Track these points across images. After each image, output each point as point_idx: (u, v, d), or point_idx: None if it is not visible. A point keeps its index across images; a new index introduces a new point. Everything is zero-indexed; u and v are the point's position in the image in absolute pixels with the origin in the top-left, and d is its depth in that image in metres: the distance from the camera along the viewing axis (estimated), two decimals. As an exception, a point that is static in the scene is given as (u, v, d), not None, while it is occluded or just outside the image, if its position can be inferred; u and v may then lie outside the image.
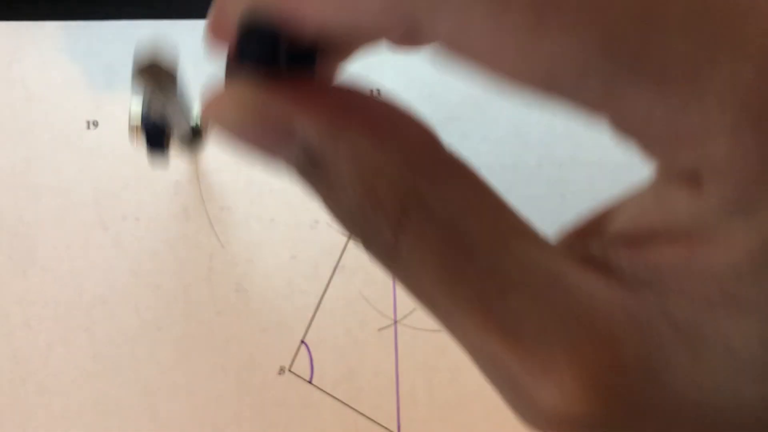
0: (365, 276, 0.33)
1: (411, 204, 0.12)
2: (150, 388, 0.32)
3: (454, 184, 0.12)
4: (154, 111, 0.26)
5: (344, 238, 0.33)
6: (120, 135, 0.33)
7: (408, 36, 0.11)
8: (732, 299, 0.10)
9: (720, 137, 0.10)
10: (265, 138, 0.12)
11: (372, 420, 0.32)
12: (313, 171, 0.12)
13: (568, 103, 0.11)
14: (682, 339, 0.11)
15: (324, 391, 0.32)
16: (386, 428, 0.32)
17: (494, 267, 0.11)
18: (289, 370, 0.32)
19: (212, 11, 0.13)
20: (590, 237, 0.13)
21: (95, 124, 0.33)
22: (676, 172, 0.11)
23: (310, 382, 0.32)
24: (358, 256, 0.33)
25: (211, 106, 0.13)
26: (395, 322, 0.33)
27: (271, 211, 0.33)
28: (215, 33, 0.14)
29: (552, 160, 0.34)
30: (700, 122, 0.10)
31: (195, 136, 0.29)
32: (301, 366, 0.32)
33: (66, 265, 0.32)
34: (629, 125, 0.11)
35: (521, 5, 0.10)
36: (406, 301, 0.33)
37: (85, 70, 0.33)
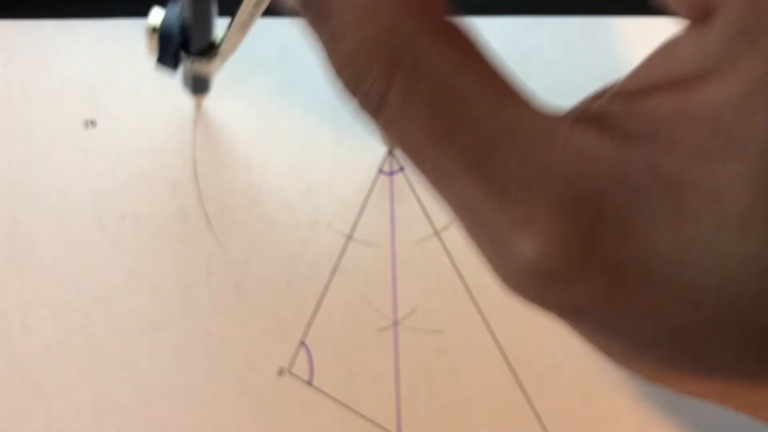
0: (365, 277, 0.33)
1: (405, 59, 0.12)
2: (148, 389, 0.32)
3: (449, 44, 0.12)
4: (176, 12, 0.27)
5: (344, 239, 0.33)
6: (118, 134, 0.33)
7: None
8: (724, 138, 0.10)
9: None
10: None
11: (372, 421, 0.32)
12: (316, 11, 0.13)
13: None
14: (668, 192, 0.11)
15: (324, 393, 0.32)
16: (386, 430, 0.32)
17: (483, 125, 0.12)
18: (289, 372, 0.32)
19: None
20: (595, 101, 0.13)
21: (93, 123, 0.33)
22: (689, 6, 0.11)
23: (309, 383, 0.32)
24: (357, 257, 0.33)
25: None
26: (395, 323, 0.33)
27: (271, 212, 0.33)
28: None
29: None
30: None
31: (208, 57, 0.29)
32: (301, 367, 0.32)
33: (63, 266, 0.32)
34: None
35: None
36: (406, 301, 0.33)
37: (82, 69, 0.33)
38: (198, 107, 0.33)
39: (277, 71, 0.34)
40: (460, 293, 0.33)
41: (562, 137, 0.12)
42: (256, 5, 0.26)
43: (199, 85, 0.32)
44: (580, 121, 0.12)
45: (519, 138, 0.12)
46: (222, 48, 0.28)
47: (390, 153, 0.33)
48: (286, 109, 0.33)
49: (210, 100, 0.33)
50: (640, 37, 0.35)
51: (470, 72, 0.12)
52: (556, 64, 0.35)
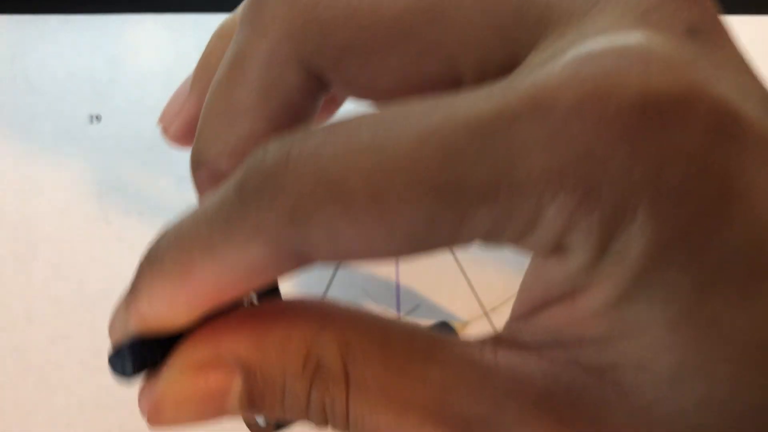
0: (367, 273, 0.33)
1: (351, 357, 0.13)
2: (152, 383, 0.32)
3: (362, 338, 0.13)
4: None
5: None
6: (123, 129, 0.33)
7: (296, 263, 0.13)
8: (617, 329, 0.12)
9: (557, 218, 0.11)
10: (211, 394, 0.14)
11: (374, 416, 0.32)
12: (255, 389, 0.14)
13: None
14: (598, 378, 0.12)
15: (326, 388, 0.32)
16: (389, 425, 0.32)
17: (432, 379, 0.13)
18: (292, 366, 0.32)
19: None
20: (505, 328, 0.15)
21: (98, 118, 0.33)
22: (543, 250, 0.12)
23: (312, 378, 0.32)
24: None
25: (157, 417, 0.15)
26: (399, 319, 0.33)
27: (275, 207, 0.33)
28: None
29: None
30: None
31: None
32: (304, 362, 0.32)
33: (68, 260, 0.32)
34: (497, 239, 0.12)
35: (363, 204, 0.11)
36: (409, 297, 0.33)
37: (87, 63, 0.33)
38: None
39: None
40: (463, 289, 0.33)
41: (491, 364, 0.13)
42: None
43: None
44: (500, 346, 0.13)
45: (462, 378, 0.13)
46: None
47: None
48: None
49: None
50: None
51: (399, 348, 0.13)
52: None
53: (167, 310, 0.13)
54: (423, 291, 0.33)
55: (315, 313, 0.14)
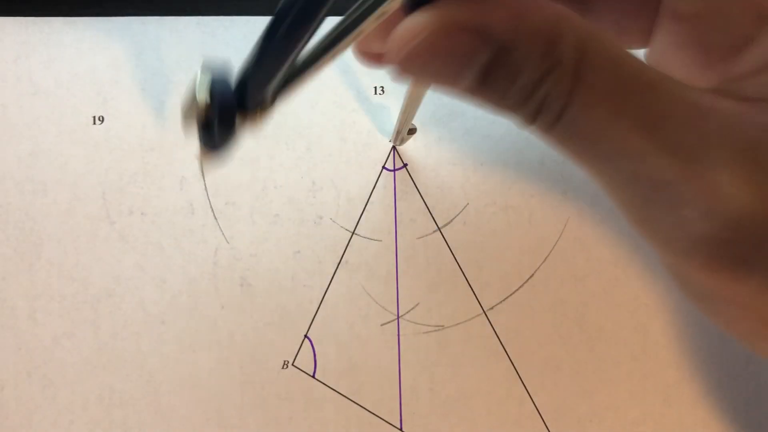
0: (368, 271, 0.33)
1: (585, 60, 0.14)
2: (154, 381, 0.32)
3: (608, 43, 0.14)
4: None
5: (348, 234, 0.33)
6: (126, 130, 0.33)
7: None
8: None
9: None
10: (457, 49, 0.14)
11: (374, 414, 0.32)
12: (496, 65, 0.14)
13: None
14: None
15: (327, 386, 0.32)
16: (388, 422, 0.32)
17: (649, 102, 0.14)
18: (293, 365, 0.32)
19: None
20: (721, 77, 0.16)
21: (101, 119, 0.33)
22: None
23: (313, 376, 0.32)
24: (361, 252, 0.33)
25: (406, 36, 0.14)
26: (398, 317, 0.33)
27: (276, 207, 0.33)
28: None
29: (553, 157, 0.34)
30: None
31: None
32: (305, 360, 0.32)
33: (72, 259, 0.32)
34: None
35: None
36: (409, 296, 0.33)
37: (91, 65, 0.33)
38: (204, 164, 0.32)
39: (282, 69, 0.34)
40: (461, 288, 0.33)
41: (716, 106, 0.14)
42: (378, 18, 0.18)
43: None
44: (723, 94, 0.14)
45: (685, 109, 0.14)
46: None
47: (394, 150, 0.34)
48: (291, 105, 0.33)
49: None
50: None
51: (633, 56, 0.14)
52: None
53: None
54: (423, 291, 0.33)
55: (563, 14, 0.14)
